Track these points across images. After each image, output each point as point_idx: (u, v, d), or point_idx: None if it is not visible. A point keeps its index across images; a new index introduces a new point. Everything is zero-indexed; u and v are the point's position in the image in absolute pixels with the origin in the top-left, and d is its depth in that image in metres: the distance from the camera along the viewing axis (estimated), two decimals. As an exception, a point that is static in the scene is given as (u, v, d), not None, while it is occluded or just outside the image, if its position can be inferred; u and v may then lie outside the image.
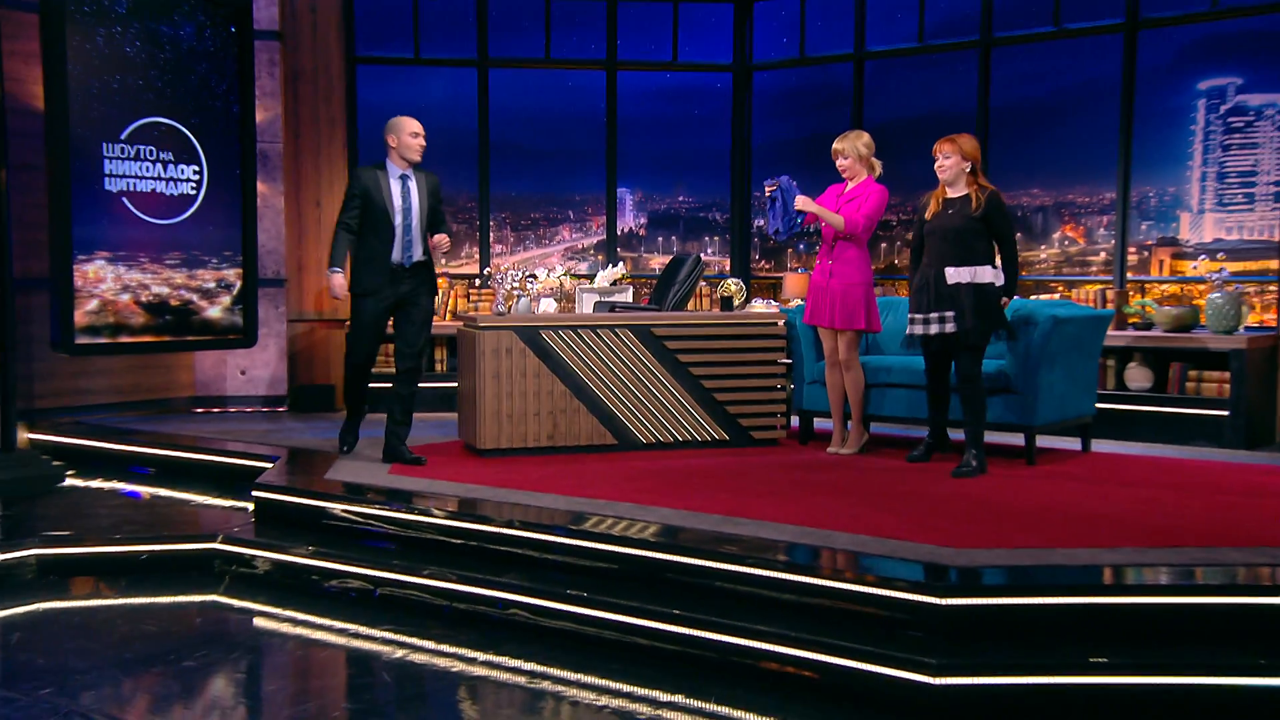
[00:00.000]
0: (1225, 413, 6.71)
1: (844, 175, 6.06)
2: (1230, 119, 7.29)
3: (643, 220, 9.28)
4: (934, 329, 5.58)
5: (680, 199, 9.33)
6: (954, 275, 5.53)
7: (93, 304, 6.69)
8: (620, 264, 7.71)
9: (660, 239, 9.28)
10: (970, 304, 5.49)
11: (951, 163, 5.56)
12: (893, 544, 4.18)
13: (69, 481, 6.34)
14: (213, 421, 7.67)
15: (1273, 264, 7.12)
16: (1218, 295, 6.84)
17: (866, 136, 6.05)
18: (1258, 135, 7.20)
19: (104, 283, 6.75)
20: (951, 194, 5.62)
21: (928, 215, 5.68)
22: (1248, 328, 7.09)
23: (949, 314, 5.54)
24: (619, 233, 9.13)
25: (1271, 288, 7.16)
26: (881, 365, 6.33)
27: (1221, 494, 5.19)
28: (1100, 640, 3.66)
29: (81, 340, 6.65)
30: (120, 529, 5.29)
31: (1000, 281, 5.55)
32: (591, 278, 8.26)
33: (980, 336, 5.54)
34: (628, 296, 6.94)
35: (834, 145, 6.06)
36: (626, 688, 3.77)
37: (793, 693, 3.67)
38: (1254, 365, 6.76)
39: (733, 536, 4.32)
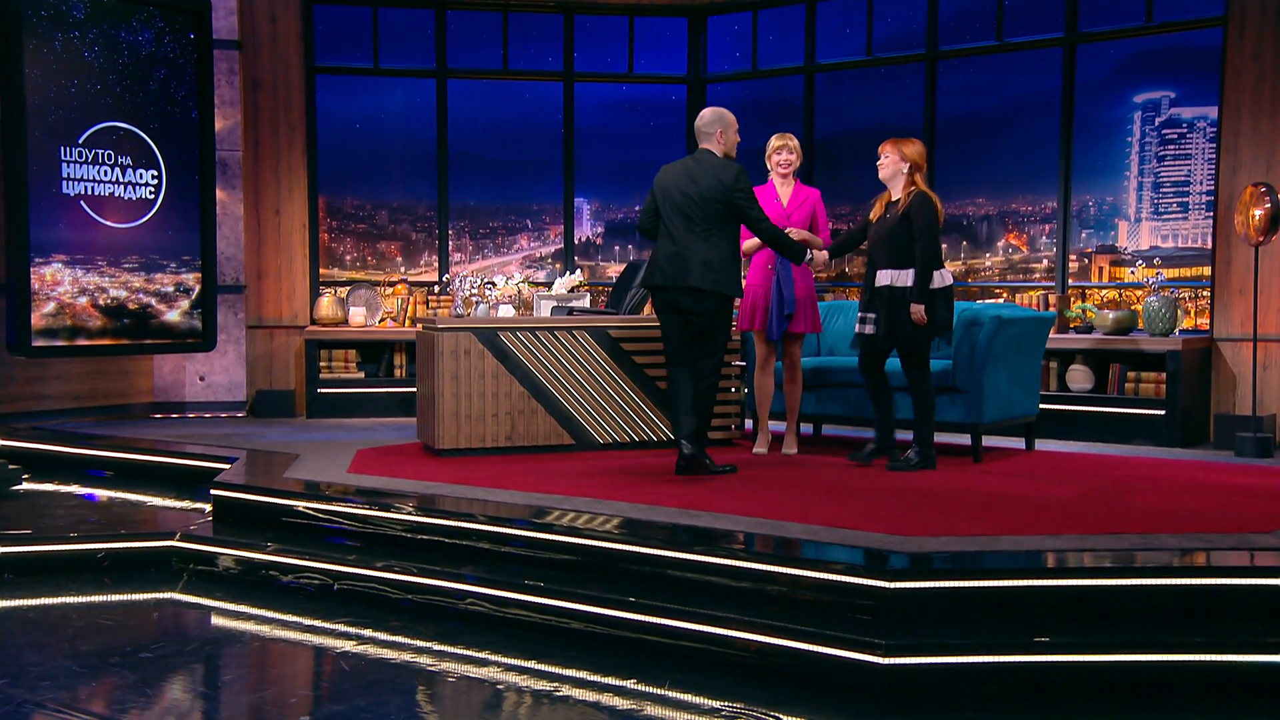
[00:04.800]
0: (1162, 412, 6.94)
1: (782, 173, 6.19)
2: (1165, 131, 7.52)
3: (600, 229, 9.37)
4: (869, 329, 5.68)
5: (636, 208, 9.39)
6: (882, 277, 5.62)
7: (50, 306, 6.68)
8: (578, 272, 7.78)
9: (617, 247, 9.38)
10: (891, 306, 5.57)
11: (887, 161, 5.65)
12: (843, 533, 4.28)
13: (25, 485, 6.29)
14: (171, 426, 7.64)
15: (1205, 270, 7.35)
16: (1154, 300, 7.07)
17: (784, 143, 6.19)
18: (1190, 147, 7.42)
19: (61, 285, 6.74)
20: (893, 198, 5.72)
21: (872, 217, 5.80)
22: (1183, 331, 7.32)
23: (871, 315, 5.64)
24: (576, 241, 9.22)
25: (1204, 293, 7.38)
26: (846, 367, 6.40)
27: (1159, 488, 5.34)
28: (1043, 621, 3.77)
29: (38, 343, 6.63)
30: (77, 528, 5.27)
31: (937, 284, 5.55)
32: (549, 285, 8.34)
33: (908, 344, 5.58)
34: (585, 304, 7.03)
35: (780, 143, 6.18)
36: (581, 674, 3.82)
37: (746, 676, 3.74)
38: (1188, 366, 6.98)
39: (688, 527, 4.41)
